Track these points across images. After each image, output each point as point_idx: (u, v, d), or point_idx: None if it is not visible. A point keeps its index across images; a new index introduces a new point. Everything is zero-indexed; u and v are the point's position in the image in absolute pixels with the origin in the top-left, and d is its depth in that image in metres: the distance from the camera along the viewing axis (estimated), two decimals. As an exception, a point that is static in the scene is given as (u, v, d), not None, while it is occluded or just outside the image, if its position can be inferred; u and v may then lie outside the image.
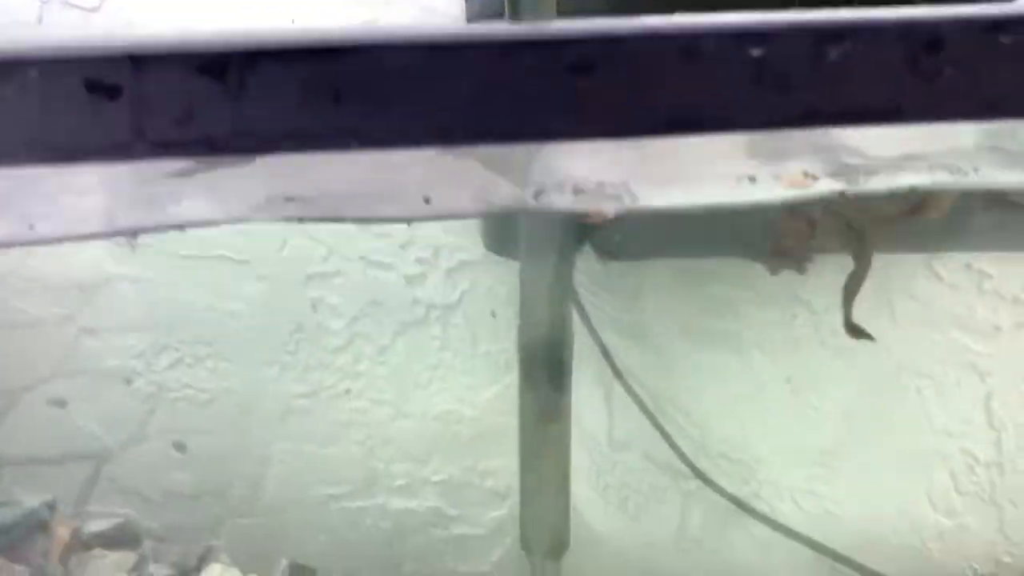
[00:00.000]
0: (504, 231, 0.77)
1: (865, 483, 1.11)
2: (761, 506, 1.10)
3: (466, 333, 1.05)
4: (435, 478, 1.12)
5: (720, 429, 1.08)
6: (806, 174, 0.36)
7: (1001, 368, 1.06)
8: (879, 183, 0.37)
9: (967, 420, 1.08)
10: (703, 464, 1.07)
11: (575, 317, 0.97)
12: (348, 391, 1.07)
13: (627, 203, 0.35)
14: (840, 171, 0.36)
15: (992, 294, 1.02)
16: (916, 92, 0.33)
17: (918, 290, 1.02)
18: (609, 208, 0.34)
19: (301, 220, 0.35)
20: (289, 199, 0.34)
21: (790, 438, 1.08)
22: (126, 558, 0.77)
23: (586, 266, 0.98)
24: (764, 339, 1.03)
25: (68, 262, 1.00)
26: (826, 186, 0.36)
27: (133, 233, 0.35)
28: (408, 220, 0.35)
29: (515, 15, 0.82)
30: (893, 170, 0.37)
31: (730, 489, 1.07)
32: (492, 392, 1.07)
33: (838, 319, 1.04)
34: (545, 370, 0.77)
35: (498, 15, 0.84)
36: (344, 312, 1.03)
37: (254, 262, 1.01)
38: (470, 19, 0.82)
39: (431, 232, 0.99)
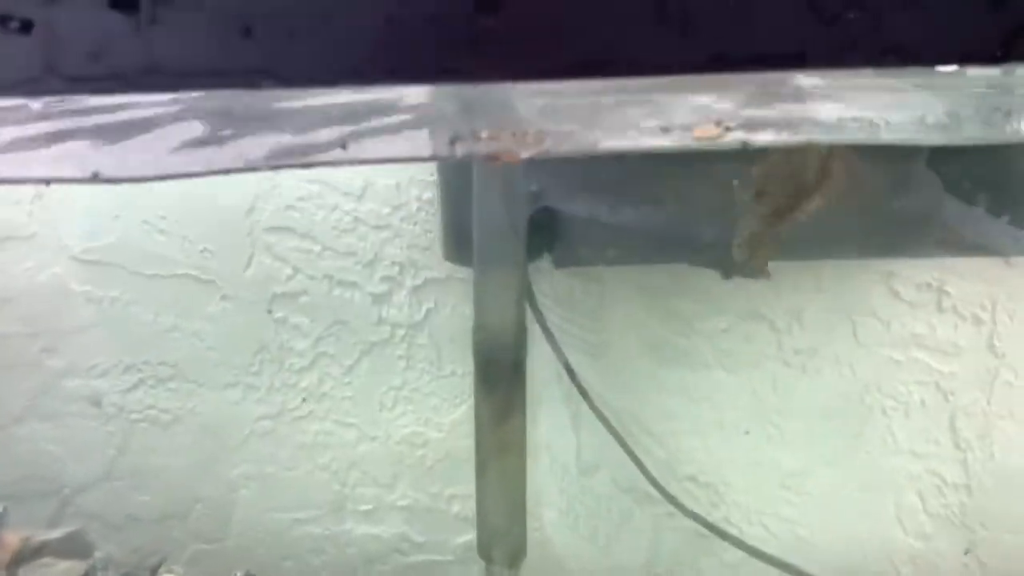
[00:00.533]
0: (462, 238, 0.77)
1: (834, 506, 1.10)
2: (731, 530, 1.09)
3: (432, 353, 1.05)
4: (401, 503, 1.11)
5: (687, 450, 1.07)
6: (719, 124, 0.37)
7: (964, 387, 1.06)
8: (789, 136, 0.38)
9: (933, 440, 1.08)
10: (672, 488, 1.06)
11: (540, 336, 0.97)
12: (312, 412, 1.06)
13: (545, 146, 0.35)
14: (750, 124, 0.37)
15: (951, 312, 1.03)
16: (818, 38, 0.35)
17: (878, 309, 1.03)
18: (519, 151, 0.35)
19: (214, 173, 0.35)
20: (203, 142, 0.35)
21: (756, 459, 1.08)
22: (76, 567, 0.75)
23: (548, 282, 0.99)
24: (727, 356, 1.03)
25: (31, 279, 1.00)
26: (737, 137, 0.37)
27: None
28: (325, 165, 0.35)
29: None
30: (798, 126, 0.37)
31: (700, 513, 1.06)
32: (458, 414, 1.06)
33: (801, 338, 1.04)
34: (500, 381, 0.77)
35: None
36: (309, 332, 1.03)
37: (219, 281, 1.01)
38: None
39: (397, 250, 1.00)
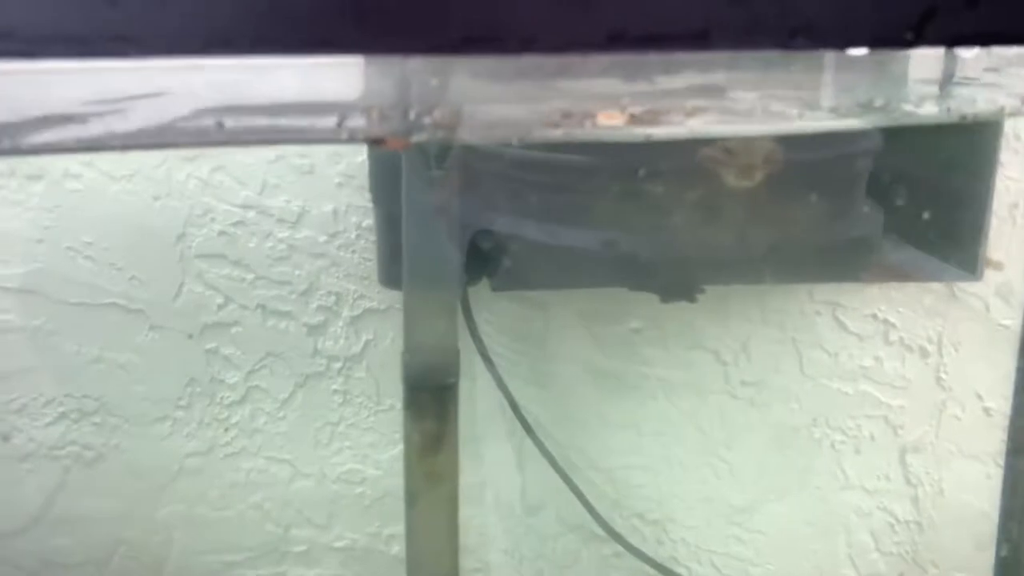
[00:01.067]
0: (398, 263, 0.75)
1: (783, 543, 1.07)
2: (679, 569, 1.06)
3: (370, 386, 1.01)
4: (338, 544, 1.06)
5: (633, 487, 1.04)
6: (623, 111, 0.35)
7: (913, 422, 1.05)
8: (695, 126, 0.36)
9: (884, 476, 1.06)
10: (619, 525, 1.03)
11: (481, 367, 0.94)
12: (244, 449, 1.02)
13: (432, 134, 0.33)
14: (659, 110, 0.36)
15: (898, 344, 1.02)
16: (724, 18, 0.33)
17: (825, 341, 1.02)
18: (409, 135, 0.33)
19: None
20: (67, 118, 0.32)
21: (703, 495, 1.05)
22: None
23: (490, 311, 0.96)
24: (671, 388, 1.01)
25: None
26: (643, 124, 0.35)
27: None
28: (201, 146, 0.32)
29: None
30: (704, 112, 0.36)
31: (647, 552, 1.03)
32: (397, 450, 1.02)
33: (747, 369, 1.03)
34: (429, 408, 0.74)
35: None
36: (241, 364, 0.99)
37: (147, 311, 0.97)
38: None
39: (334, 279, 0.97)
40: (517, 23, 0.32)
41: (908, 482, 1.07)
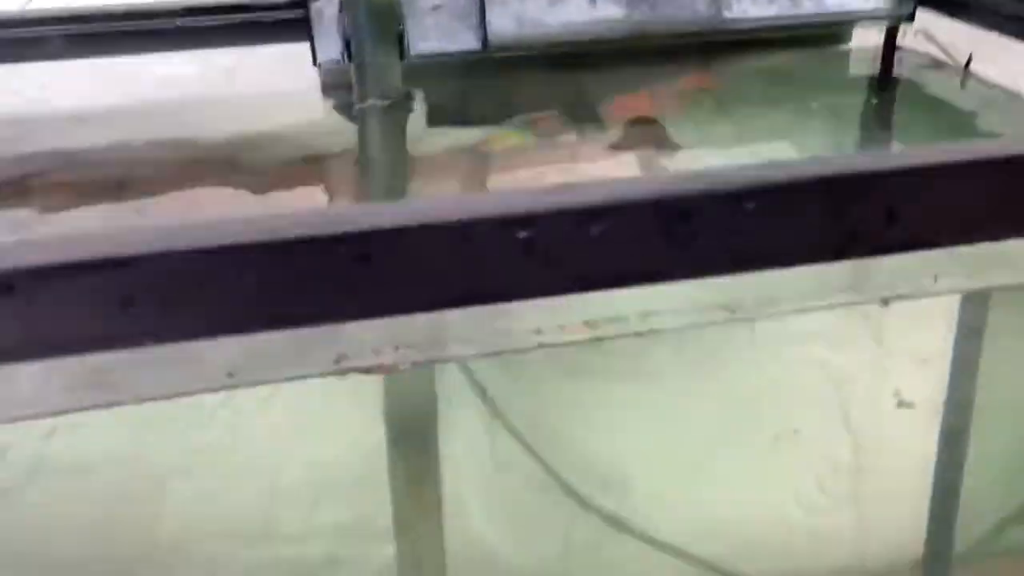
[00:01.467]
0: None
1: (735, 492, 1.17)
2: (641, 522, 1.15)
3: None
4: None
5: (598, 457, 1.12)
6: (587, 324, 0.39)
7: (854, 374, 1.13)
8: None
9: (826, 422, 1.16)
10: (584, 490, 1.11)
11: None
12: None
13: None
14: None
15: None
16: (672, 258, 0.37)
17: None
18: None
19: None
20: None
21: (662, 455, 1.14)
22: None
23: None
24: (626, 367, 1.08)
25: None
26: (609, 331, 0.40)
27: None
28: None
29: (362, 87, 0.84)
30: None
31: (611, 509, 1.12)
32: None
33: (701, 336, 1.09)
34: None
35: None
36: None
37: None
38: (324, 90, 0.84)
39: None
40: (489, 282, 0.36)
41: (848, 430, 1.16)
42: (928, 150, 0.40)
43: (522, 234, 0.35)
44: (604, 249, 0.36)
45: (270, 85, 0.94)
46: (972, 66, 1.05)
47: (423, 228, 0.34)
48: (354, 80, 0.87)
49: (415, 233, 0.34)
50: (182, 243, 0.33)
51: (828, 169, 0.37)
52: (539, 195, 0.36)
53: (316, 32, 0.85)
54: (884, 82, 1.09)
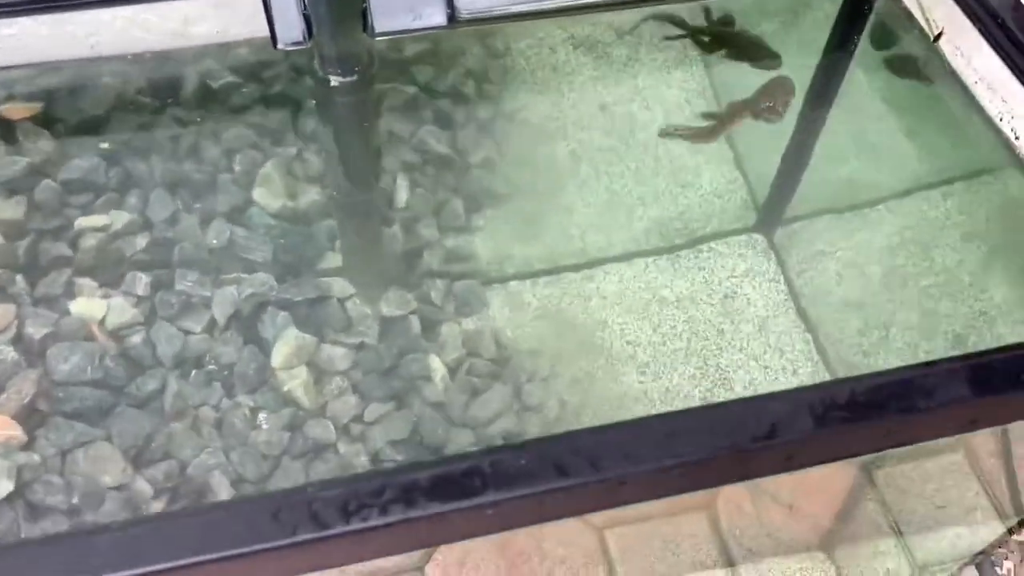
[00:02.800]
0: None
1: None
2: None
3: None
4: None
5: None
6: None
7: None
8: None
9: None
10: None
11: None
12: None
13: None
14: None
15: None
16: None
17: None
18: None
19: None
20: None
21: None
22: None
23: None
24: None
25: None
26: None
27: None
28: None
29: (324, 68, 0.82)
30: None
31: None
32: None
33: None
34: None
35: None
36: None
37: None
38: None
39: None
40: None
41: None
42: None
43: None
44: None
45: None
46: (942, 44, 1.02)
47: None
48: (316, 62, 0.85)
49: None
50: None
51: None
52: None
53: (275, 13, 0.81)
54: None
